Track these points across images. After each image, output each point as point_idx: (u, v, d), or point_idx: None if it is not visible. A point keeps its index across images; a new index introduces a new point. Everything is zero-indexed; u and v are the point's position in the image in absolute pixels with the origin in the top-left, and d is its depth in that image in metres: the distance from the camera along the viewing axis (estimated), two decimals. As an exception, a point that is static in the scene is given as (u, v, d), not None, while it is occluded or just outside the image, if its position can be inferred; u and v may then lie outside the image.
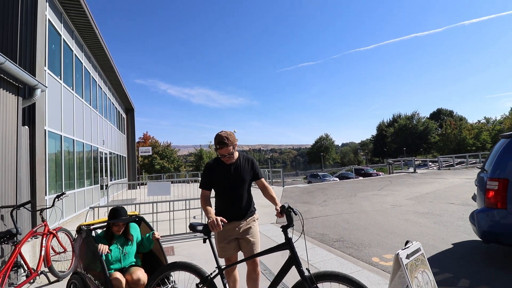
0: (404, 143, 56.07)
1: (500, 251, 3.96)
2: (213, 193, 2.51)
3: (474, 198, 4.41)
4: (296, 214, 1.95)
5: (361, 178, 21.28)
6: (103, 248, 2.44)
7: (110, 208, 2.81)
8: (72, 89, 8.89)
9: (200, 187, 2.42)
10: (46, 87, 4.53)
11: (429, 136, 55.41)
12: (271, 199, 2.37)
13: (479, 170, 4.28)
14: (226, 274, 2.34)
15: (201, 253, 4.38)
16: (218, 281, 2.07)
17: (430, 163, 24.38)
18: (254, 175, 2.48)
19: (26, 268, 3.37)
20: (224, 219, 2.05)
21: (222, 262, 2.17)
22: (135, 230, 2.83)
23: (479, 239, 3.67)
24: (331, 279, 1.75)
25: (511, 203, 3.27)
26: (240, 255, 2.44)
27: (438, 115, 63.37)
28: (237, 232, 2.40)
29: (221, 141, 2.29)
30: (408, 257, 2.32)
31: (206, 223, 2.13)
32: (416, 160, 23.27)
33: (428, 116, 63.24)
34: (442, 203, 7.61)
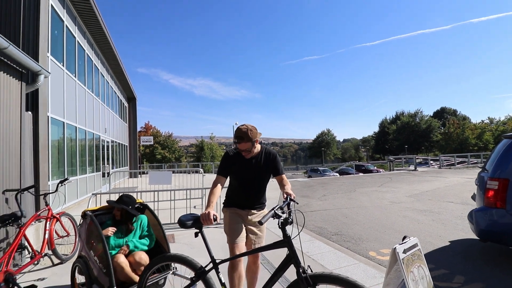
0: (406, 141, 55.94)
1: (496, 250, 4.00)
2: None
3: (473, 197, 4.43)
4: (295, 204, 1.86)
5: (361, 174, 21.33)
6: (108, 230, 2.63)
7: (112, 194, 2.86)
8: (75, 76, 8.87)
9: (217, 173, 2.33)
10: (49, 73, 4.53)
11: (432, 134, 55.22)
12: (282, 189, 2.27)
13: (480, 169, 4.29)
14: (230, 268, 2.22)
15: (201, 242, 4.44)
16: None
17: (431, 162, 24.38)
18: (274, 170, 2.40)
19: (30, 250, 3.45)
20: (217, 215, 1.98)
21: (216, 255, 2.05)
22: (140, 221, 2.87)
23: (476, 237, 3.71)
24: (330, 282, 1.60)
25: (510, 203, 3.30)
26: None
27: (442, 114, 63.05)
28: (248, 219, 2.38)
29: (239, 135, 2.23)
30: (405, 252, 2.36)
31: (199, 215, 2.03)
32: (417, 158, 23.25)
33: (432, 115, 62.92)
34: (441, 202, 7.65)
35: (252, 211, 2.41)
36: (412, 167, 21.09)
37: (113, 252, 2.62)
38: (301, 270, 1.66)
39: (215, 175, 2.40)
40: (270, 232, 5.04)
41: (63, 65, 7.84)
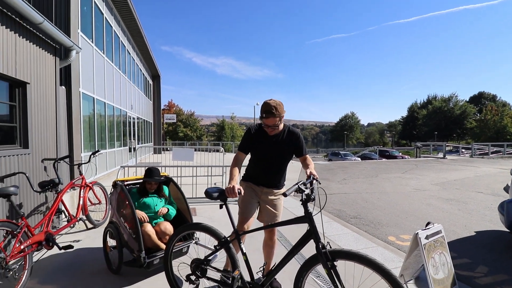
0: (436, 127, 52.80)
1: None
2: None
3: (506, 189, 4.17)
4: (317, 184, 1.87)
5: (384, 159, 20.67)
6: (141, 215, 2.74)
7: (138, 168, 3.03)
8: (103, 53, 9.13)
9: (238, 149, 2.36)
10: (81, 48, 4.69)
11: (466, 121, 51.56)
12: (306, 167, 2.27)
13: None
14: (263, 243, 2.38)
15: (221, 216, 4.63)
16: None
17: (462, 150, 23.01)
18: (297, 151, 2.38)
19: (67, 214, 3.78)
20: (242, 188, 2.03)
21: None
22: (166, 191, 3.08)
23: (505, 229, 3.53)
24: (348, 258, 1.63)
25: (550, 196, 3.06)
26: (257, 224, 2.42)
27: (479, 99, 58.28)
28: (263, 197, 2.40)
29: (269, 110, 2.15)
30: (427, 237, 2.31)
31: (224, 188, 2.11)
32: (447, 146, 22.02)
33: (468, 100, 58.37)
34: (469, 191, 7.29)
35: (270, 189, 2.42)
36: (440, 155, 20.07)
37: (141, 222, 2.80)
38: (320, 246, 1.70)
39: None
40: (288, 211, 5.12)
41: (92, 42, 8.07)
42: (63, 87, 5.18)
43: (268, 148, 2.33)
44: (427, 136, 53.04)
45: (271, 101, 2.20)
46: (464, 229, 4.40)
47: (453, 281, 2.41)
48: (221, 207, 2.12)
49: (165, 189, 3.11)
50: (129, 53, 13.22)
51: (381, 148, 33.59)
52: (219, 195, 2.08)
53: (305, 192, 1.75)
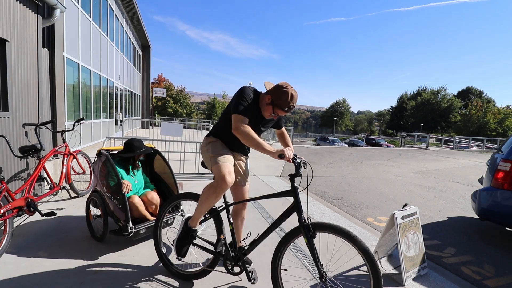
0: (423, 118, 54.11)
1: (493, 230, 4.07)
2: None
3: (480, 181, 4.39)
4: (304, 167, 1.89)
5: (370, 147, 21.17)
6: (126, 184, 2.64)
7: (125, 141, 2.96)
8: (90, 16, 8.60)
9: (240, 112, 1.92)
10: (65, 8, 4.39)
11: (451, 115, 53.01)
12: (285, 144, 2.25)
13: (496, 151, 4.19)
14: (234, 214, 2.34)
15: (207, 192, 4.67)
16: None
17: (446, 143, 23.79)
18: (277, 126, 2.36)
19: (49, 182, 3.71)
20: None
21: (229, 199, 2.21)
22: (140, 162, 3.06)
23: (475, 216, 3.76)
24: (328, 230, 1.75)
25: (519, 187, 3.26)
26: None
27: (466, 94, 59.65)
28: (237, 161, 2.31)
29: (293, 105, 1.97)
30: (403, 218, 2.43)
31: None
32: (431, 138, 22.66)
33: (455, 94, 59.64)
34: (447, 181, 7.63)
35: (240, 154, 2.34)
36: (423, 146, 20.74)
37: (128, 194, 2.76)
38: (303, 219, 1.79)
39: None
40: (274, 190, 5.22)
41: (78, 3, 7.57)
42: (46, 49, 4.90)
43: (255, 126, 2.10)
44: (414, 127, 54.37)
45: (295, 92, 1.96)
46: (437, 214, 4.66)
47: (423, 259, 2.58)
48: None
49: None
50: (118, 19, 12.52)
51: (368, 136, 34.24)
52: None
53: (298, 160, 1.83)
